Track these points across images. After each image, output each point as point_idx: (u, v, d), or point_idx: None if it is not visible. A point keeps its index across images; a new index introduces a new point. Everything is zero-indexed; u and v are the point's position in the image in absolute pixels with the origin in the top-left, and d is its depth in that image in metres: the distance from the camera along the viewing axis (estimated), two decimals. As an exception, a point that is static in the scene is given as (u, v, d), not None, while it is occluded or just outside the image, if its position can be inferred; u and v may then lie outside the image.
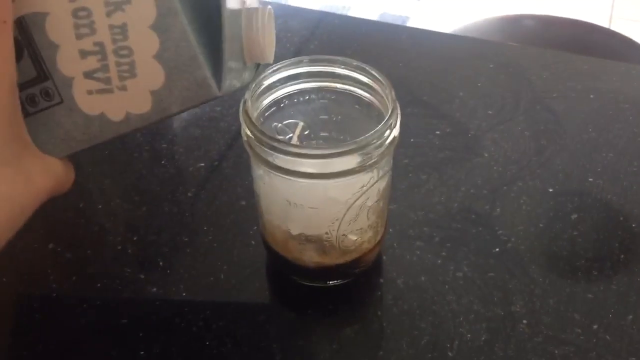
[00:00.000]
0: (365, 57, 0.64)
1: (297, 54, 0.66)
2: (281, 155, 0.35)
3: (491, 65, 0.63)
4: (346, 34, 0.69)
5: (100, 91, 0.31)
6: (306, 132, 0.43)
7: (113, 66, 0.31)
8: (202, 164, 0.54)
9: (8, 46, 0.29)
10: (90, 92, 0.32)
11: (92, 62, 0.31)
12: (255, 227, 0.47)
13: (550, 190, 0.50)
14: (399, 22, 1.97)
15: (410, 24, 2.01)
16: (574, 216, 0.48)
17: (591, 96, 0.58)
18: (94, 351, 0.41)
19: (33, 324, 0.42)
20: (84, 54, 0.31)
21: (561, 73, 0.61)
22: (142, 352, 0.40)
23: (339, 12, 1.98)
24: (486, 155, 0.53)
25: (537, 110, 0.57)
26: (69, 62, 0.31)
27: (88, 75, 0.31)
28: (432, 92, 0.60)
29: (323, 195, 0.38)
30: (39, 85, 0.32)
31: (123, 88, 0.31)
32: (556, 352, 0.39)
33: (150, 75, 0.31)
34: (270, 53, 0.35)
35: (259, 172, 0.39)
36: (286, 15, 0.71)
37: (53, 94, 0.32)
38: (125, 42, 0.30)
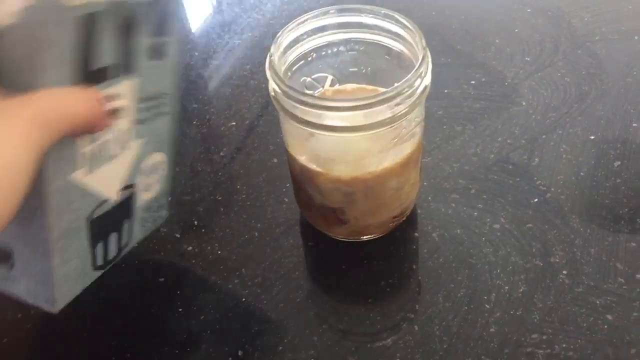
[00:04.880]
0: (397, 6, 0.62)
1: (327, 6, 0.64)
2: (309, 109, 0.34)
3: (529, 10, 0.60)
4: (376, -16, 0.66)
5: None
6: (336, 86, 0.42)
7: None
8: (234, 123, 0.53)
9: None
10: None
11: None
12: (288, 185, 0.46)
13: (592, 137, 0.48)
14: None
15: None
16: (617, 164, 0.46)
17: (635, 37, 0.55)
18: (133, 309, 0.42)
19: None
20: None
21: (603, 14, 0.58)
22: (180, 310, 0.41)
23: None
24: (524, 103, 0.51)
25: (577, 54, 0.55)
26: None
27: None
28: (467, 40, 0.58)
29: (354, 149, 0.37)
30: None
31: None
32: (597, 302, 0.38)
33: None
34: None
35: (288, 127, 0.38)
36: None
37: None
38: None
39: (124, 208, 0.37)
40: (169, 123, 0.38)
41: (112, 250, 0.38)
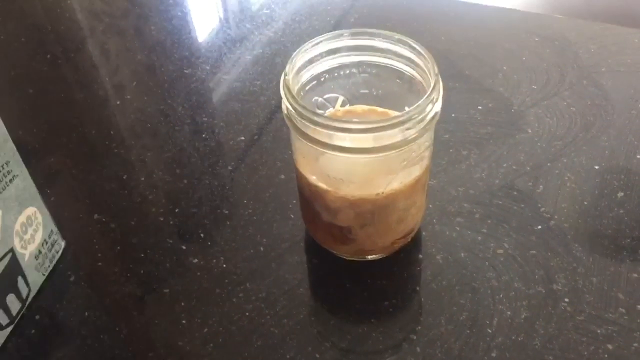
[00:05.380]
0: (407, 30, 0.63)
1: (336, 27, 0.65)
2: (321, 130, 0.35)
3: (536, 39, 0.61)
4: (387, 6, 0.68)
5: None
6: (347, 107, 0.43)
7: None
8: (242, 138, 0.54)
9: None
10: None
11: None
12: (295, 201, 0.47)
13: (596, 167, 0.48)
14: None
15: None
16: (620, 194, 0.46)
17: (641, 70, 0.56)
18: (137, 320, 0.42)
19: (78, 292, 0.44)
20: None
21: (610, 46, 0.59)
22: (183, 322, 0.41)
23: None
24: (530, 131, 0.52)
25: (583, 85, 0.56)
26: None
27: None
28: (475, 66, 0.59)
29: (363, 170, 0.38)
30: None
31: None
32: (599, 331, 0.39)
33: None
34: None
35: (299, 145, 0.39)
36: (326, -13, 0.71)
37: None
38: None
39: (11, 270, 0.40)
40: (24, 179, 0.40)
41: (15, 307, 0.41)
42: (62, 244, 0.45)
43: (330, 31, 0.39)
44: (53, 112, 0.58)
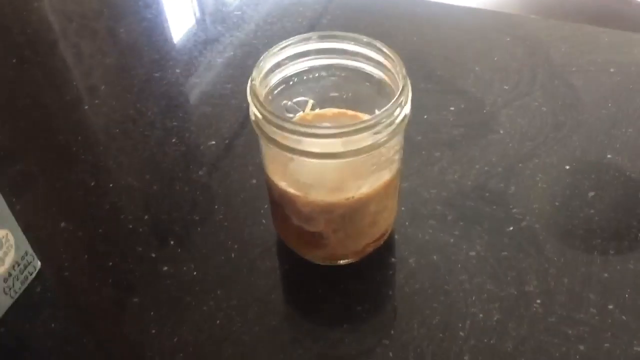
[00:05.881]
0: (379, 31, 0.63)
1: (310, 28, 0.65)
2: (289, 135, 0.34)
3: (508, 39, 0.61)
4: (360, 8, 0.67)
5: None
6: (316, 110, 0.42)
7: None
8: (213, 142, 0.53)
9: None
10: None
11: None
12: (267, 206, 0.46)
13: (567, 167, 0.49)
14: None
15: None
16: (591, 194, 0.47)
17: (611, 70, 0.57)
18: (105, 329, 0.41)
19: (45, 301, 0.43)
20: None
21: (580, 46, 0.60)
22: (153, 331, 0.40)
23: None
24: (501, 131, 0.52)
25: (554, 85, 0.56)
26: None
27: None
28: (447, 67, 0.59)
29: (333, 175, 0.38)
30: None
31: None
32: (570, 332, 0.39)
33: None
34: None
35: (268, 151, 0.38)
36: (298, -12, 0.70)
37: None
38: None
39: None
40: None
41: None
42: (37, 265, 0.44)
43: (303, 33, 0.39)
44: (19, 118, 0.57)
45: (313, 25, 0.65)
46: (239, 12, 0.68)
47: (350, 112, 0.42)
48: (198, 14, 0.70)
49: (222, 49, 0.63)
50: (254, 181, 0.49)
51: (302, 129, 0.34)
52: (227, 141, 0.53)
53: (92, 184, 0.50)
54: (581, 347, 0.38)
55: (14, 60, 0.63)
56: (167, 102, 0.58)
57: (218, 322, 0.41)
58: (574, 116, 0.53)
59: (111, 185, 0.50)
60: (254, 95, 0.35)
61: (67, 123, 0.56)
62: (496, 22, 0.64)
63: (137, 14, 0.69)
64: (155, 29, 0.67)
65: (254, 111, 0.36)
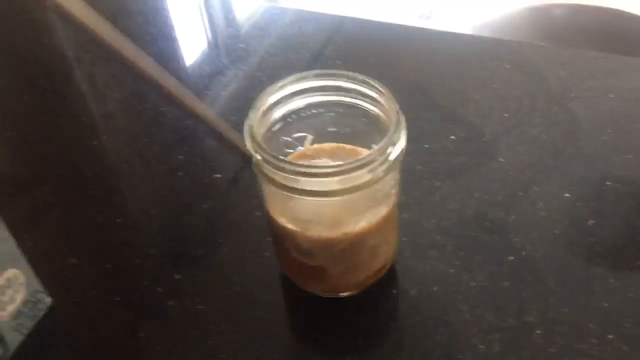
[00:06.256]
0: (380, 61, 0.64)
1: (312, 59, 0.66)
2: (287, 175, 0.35)
3: (507, 66, 0.62)
4: (361, 38, 0.68)
5: None
6: (315, 145, 0.43)
7: None
8: (218, 176, 0.54)
9: None
10: None
11: None
12: (270, 239, 0.47)
13: (567, 195, 0.49)
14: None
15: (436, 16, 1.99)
16: (591, 222, 0.47)
17: (610, 95, 0.57)
18: (113, 365, 0.42)
19: (55, 337, 0.44)
20: None
21: (579, 72, 0.60)
22: (159, 366, 0.41)
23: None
24: (501, 160, 0.52)
25: (554, 111, 0.56)
26: None
27: None
28: (447, 95, 0.59)
29: (331, 211, 0.38)
30: None
31: None
32: (571, 363, 0.39)
33: None
34: None
35: (267, 189, 0.39)
36: (301, 20, 0.71)
37: None
38: None
39: None
40: (4, 240, 0.40)
41: None
42: (48, 301, 0.45)
43: (306, 64, 0.40)
44: (27, 154, 0.59)
45: (316, 56, 0.66)
46: (243, 45, 0.70)
47: (348, 147, 0.43)
48: (202, 49, 0.72)
49: (226, 82, 0.65)
50: (258, 214, 0.50)
51: (298, 169, 0.35)
52: (231, 174, 0.54)
53: (99, 219, 0.51)
54: (582, 378, 0.38)
55: (25, 97, 0.65)
56: (173, 136, 0.59)
57: (223, 356, 0.41)
58: (573, 143, 0.53)
59: (119, 220, 0.51)
60: (251, 137, 0.36)
61: (73, 159, 0.58)
62: (495, 49, 0.65)
63: (142, 51, 0.70)
64: (162, 65, 0.69)
65: (252, 152, 0.37)
